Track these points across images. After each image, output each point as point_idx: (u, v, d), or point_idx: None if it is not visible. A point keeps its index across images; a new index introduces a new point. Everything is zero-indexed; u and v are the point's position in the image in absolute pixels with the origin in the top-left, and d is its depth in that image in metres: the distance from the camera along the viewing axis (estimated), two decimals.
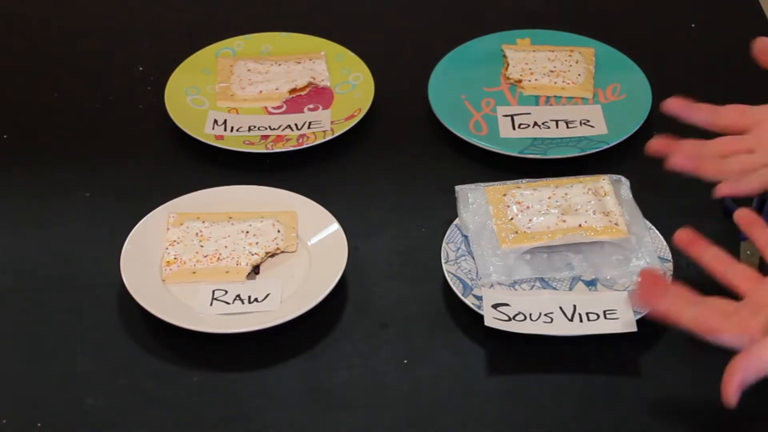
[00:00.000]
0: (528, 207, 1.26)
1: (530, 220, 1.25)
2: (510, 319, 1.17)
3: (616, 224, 1.24)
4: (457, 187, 1.29)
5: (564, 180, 1.30)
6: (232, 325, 1.18)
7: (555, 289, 1.22)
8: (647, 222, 1.26)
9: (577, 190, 1.28)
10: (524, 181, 1.29)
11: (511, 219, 1.25)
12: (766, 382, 1.13)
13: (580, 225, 1.24)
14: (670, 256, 1.23)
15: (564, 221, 1.24)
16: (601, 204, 1.26)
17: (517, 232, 1.24)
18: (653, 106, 1.42)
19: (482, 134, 1.40)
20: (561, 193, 1.27)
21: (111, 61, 1.55)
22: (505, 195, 1.27)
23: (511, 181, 1.29)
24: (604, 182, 1.29)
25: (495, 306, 1.18)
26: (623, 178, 1.30)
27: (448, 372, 1.16)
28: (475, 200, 1.27)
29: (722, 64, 1.55)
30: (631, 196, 1.28)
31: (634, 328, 1.16)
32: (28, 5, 1.66)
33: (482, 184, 1.29)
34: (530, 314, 1.18)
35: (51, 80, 1.52)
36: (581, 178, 1.30)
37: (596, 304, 1.19)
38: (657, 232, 1.25)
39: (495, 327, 1.16)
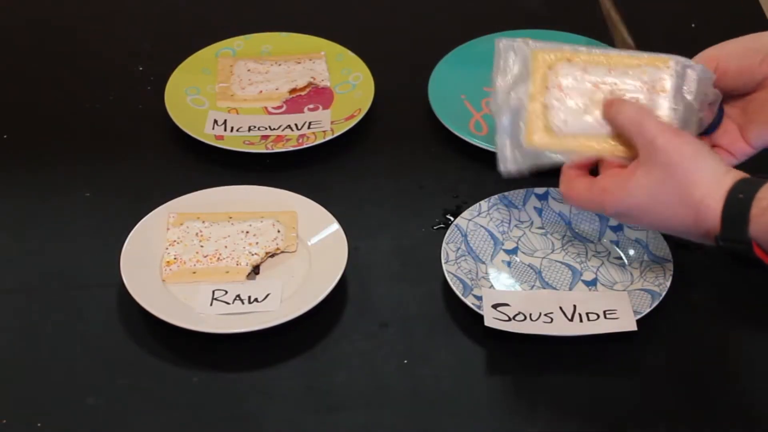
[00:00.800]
0: (568, 95, 1.14)
1: (565, 120, 1.14)
2: (510, 319, 1.17)
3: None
4: (498, 41, 1.16)
5: (624, 58, 1.14)
6: (232, 325, 1.18)
7: (555, 289, 1.22)
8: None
9: (631, 79, 1.13)
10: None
11: (546, 107, 1.14)
12: (766, 383, 1.14)
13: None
14: (670, 256, 1.23)
15: (603, 126, 1.12)
16: (651, 102, 1.12)
17: (546, 128, 1.14)
18: None
19: (482, 134, 1.40)
20: (611, 81, 1.13)
21: (111, 61, 1.55)
22: (550, 69, 1.14)
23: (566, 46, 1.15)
24: (667, 72, 1.13)
25: (495, 306, 1.18)
26: (700, 67, 1.13)
27: (448, 372, 1.16)
28: (516, 63, 1.15)
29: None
30: (695, 90, 1.12)
31: (634, 328, 1.16)
32: (28, 5, 1.66)
33: (531, 41, 1.15)
34: (530, 314, 1.18)
35: (51, 80, 1.52)
36: (646, 58, 1.13)
37: (596, 304, 1.19)
38: (656, 230, 1.25)
39: (495, 327, 1.16)
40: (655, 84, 1.13)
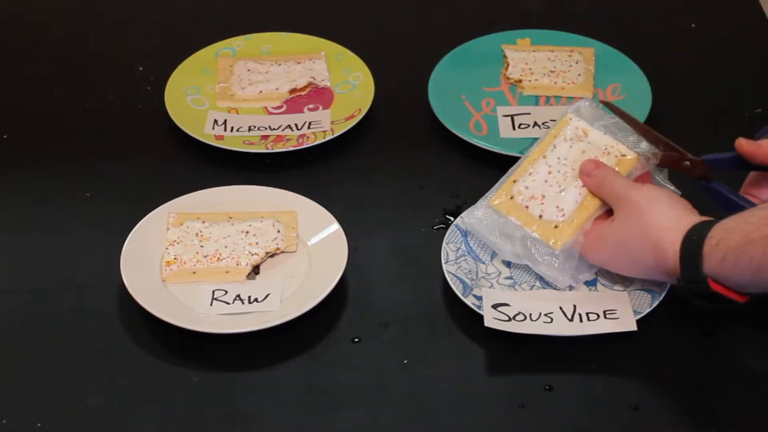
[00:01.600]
0: (543, 195, 1.22)
1: (558, 207, 1.21)
2: (510, 319, 1.17)
3: (623, 155, 1.21)
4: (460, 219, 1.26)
5: (544, 145, 1.24)
6: (232, 325, 1.18)
7: (555, 289, 1.22)
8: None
9: (562, 147, 1.23)
10: (511, 170, 1.25)
11: (540, 216, 1.21)
12: (766, 383, 1.14)
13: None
14: None
15: (582, 184, 1.21)
16: (591, 145, 1.23)
17: (556, 227, 1.21)
18: (653, 105, 1.42)
19: (482, 134, 1.40)
20: (553, 160, 1.23)
21: (111, 61, 1.55)
22: (512, 198, 1.24)
23: (499, 181, 1.25)
24: (571, 123, 1.24)
25: (495, 306, 1.18)
26: (584, 102, 1.25)
27: (448, 372, 1.16)
28: (485, 219, 1.24)
29: (722, 64, 1.55)
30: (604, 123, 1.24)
31: (634, 328, 1.16)
32: (28, 5, 1.66)
33: (479, 203, 1.25)
34: (530, 314, 1.18)
35: (51, 80, 1.52)
36: (552, 134, 1.25)
37: (596, 304, 1.19)
38: None
39: (495, 327, 1.16)
40: (577, 135, 1.24)
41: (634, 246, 1.15)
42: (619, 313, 1.18)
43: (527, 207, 1.22)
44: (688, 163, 1.21)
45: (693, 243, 1.09)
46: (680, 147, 1.22)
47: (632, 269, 1.17)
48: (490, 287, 1.22)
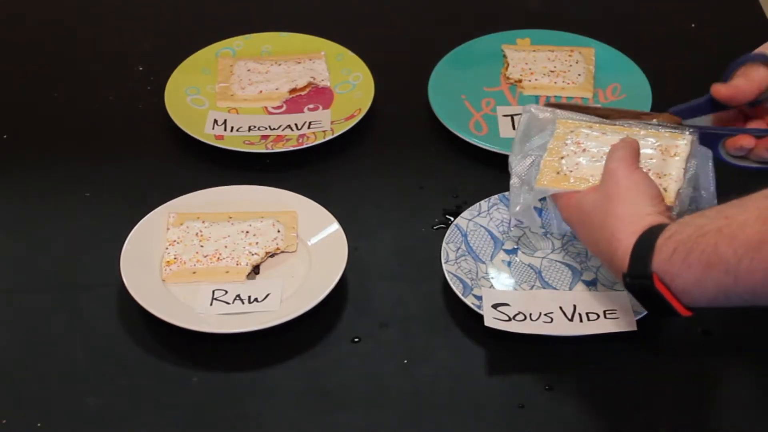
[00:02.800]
0: (584, 150, 1.18)
1: (577, 163, 1.17)
2: (510, 319, 1.17)
3: (665, 189, 1.14)
4: (527, 107, 1.21)
5: (641, 130, 1.19)
6: (232, 325, 1.18)
7: (555, 288, 1.22)
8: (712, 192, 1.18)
9: (647, 142, 1.17)
10: (605, 121, 1.21)
11: (562, 158, 1.18)
12: (766, 382, 1.14)
13: None
14: None
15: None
16: (664, 164, 1.16)
17: (558, 173, 1.17)
18: (653, 105, 1.42)
19: (482, 134, 1.40)
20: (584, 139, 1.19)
21: (111, 61, 1.55)
22: (572, 131, 1.19)
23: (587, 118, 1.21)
24: (682, 141, 1.17)
25: (495, 306, 1.18)
26: (705, 150, 1.18)
27: (448, 372, 1.16)
28: (541, 128, 1.20)
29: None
30: (711, 165, 1.18)
31: (634, 328, 1.16)
32: (28, 5, 1.66)
33: (559, 111, 1.21)
34: (530, 314, 1.18)
35: (51, 80, 1.52)
36: (662, 130, 1.19)
37: (596, 304, 1.19)
38: None
39: (495, 327, 1.16)
40: (668, 148, 1.17)
41: (595, 226, 1.10)
42: (619, 313, 1.18)
43: (566, 144, 1.18)
44: (655, 120, 1.19)
45: (648, 236, 1.04)
46: (640, 111, 1.19)
47: (589, 246, 1.13)
48: (490, 287, 1.22)
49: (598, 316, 1.18)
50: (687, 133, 1.18)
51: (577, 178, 1.15)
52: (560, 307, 1.19)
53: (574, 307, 1.19)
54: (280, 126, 1.42)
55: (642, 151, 1.15)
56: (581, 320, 1.18)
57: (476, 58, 1.52)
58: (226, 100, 1.46)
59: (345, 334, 1.19)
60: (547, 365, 1.16)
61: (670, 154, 1.17)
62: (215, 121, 1.42)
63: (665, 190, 1.14)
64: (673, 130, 1.18)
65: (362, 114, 1.42)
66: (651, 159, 1.16)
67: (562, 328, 1.17)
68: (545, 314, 1.18)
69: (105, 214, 1.33)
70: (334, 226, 1.27)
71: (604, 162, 1.13)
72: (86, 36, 1.61)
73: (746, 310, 1.18)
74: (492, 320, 1.17)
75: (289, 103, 1.46)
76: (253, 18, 1.62)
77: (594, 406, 1.14)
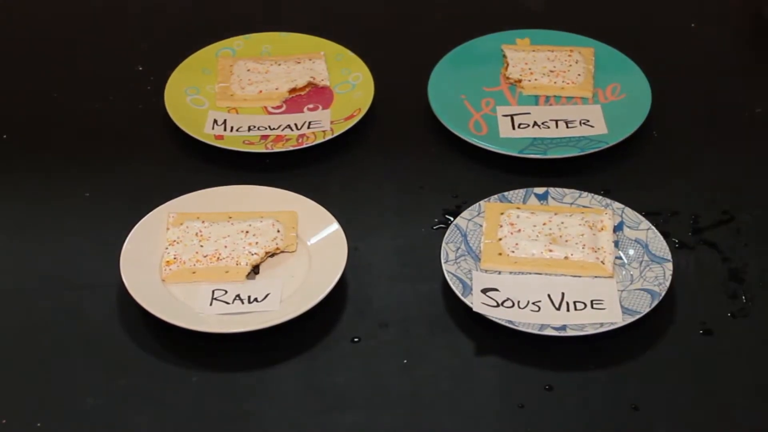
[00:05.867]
0: (519, 230, 1.25)
1: (516, 243, 1.24)
2: (498, 305, 1.18)
3: (602, 262, 1.23)
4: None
5: (565, 208, 1.28)
6: (232, 325, 1.18)
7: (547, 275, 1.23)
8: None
9: (574, 220, 1.26)
10: (527, 203, 1.28)
11: (500, 239, 1.25)
12: (766, 382, 1.14)
13: (565, 257, 1.23)
14: (669, 256, 1.23)
15: (550, 251, 1.23)
16: (594, 238, 1.25)
17: (500, 254, 1.23)
18: (653, 105, 1.42)
19: (482, 134, 1.40)
20: (557, 221, 1.26)
21: (111, 61, 1.55)
22: (502, 213, 1.27)
23: (515, 202, 1.29)
24: (605, 216, 1.27)
25: (484, 291, 1.19)
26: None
27: (448, 372, 1.16)
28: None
29: (722, 64, 1.55)
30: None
31: (619, 319, 1.16)
32: (28, 5, 1.66)
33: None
34: (518, 301, 1.19)
35: (51, 80, 1.52)
36: (584, 209, 1.28)
37: (584, 293, 1.20)
38: (655, 231, 1.26)
39: (483, 312, 1.16)
40: (595, 223, 1.26)
41: None
42: (606, 303, 1.18)
43: (501, 226, 1.26)
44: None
45: None
46: None
47: None
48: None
49: (585, 306, 1.18)
50: (606, 212, 1.27)
51: (521, 258, 1.23)
52: (548, 295, 1.20)
53: (563, 294, 1.20)
54: (279, 126, 1.42)
55: (573, 228, 1.25)
56: (568, 309, 1.18)
57: (476, 58, 1.52)
58: (225, 100, 1.46)
59: (345, 334, 1.19)
60: (547, 365, 1.17)
61: (597, 228, 1.26)
62: (215, 121, 1.42)
63: (602, 263, 1.22)
64: (593, 208, 1.28)
65: (362, 114, 1.42)
66: (582, 235, 1.25)
67: (548, 317, 1.17)
68: (533, 302, 1.19)
69: (105, 214, 1.33)
70: (334, 226, 1.27)
71: (543, 241, 1.23)
72: (86, 36, 1.61)
73: (746, 310, 1.18)
74: (480, 305, 1.17)
75: (288, 103, 1.46)
76: (253, 18, 1.62)
77: (594, 406, 1.14)
